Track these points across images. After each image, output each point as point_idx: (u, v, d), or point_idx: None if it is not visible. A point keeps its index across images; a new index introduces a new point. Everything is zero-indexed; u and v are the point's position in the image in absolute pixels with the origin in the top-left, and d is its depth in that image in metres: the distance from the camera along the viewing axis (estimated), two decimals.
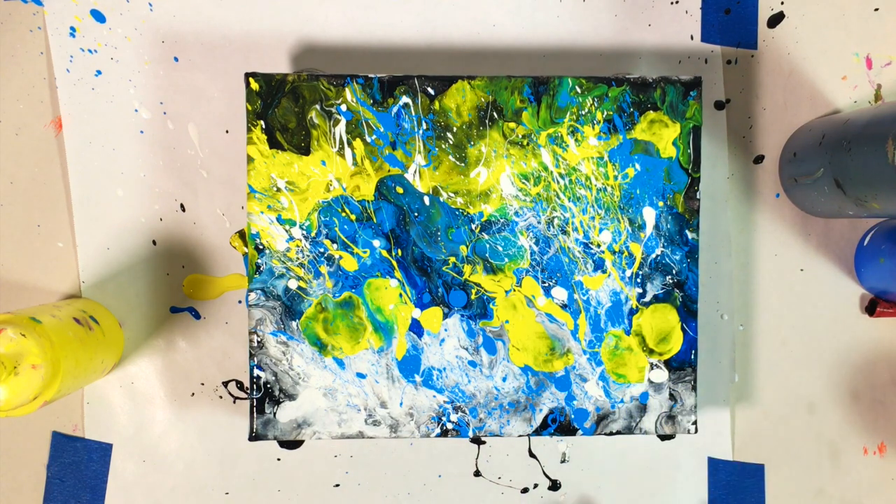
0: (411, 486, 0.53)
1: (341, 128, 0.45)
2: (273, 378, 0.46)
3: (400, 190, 0.46)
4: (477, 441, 0.53)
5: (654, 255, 0.47)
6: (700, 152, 0.46)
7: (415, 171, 0.45)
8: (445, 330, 0.46)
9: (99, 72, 0.50)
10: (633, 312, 0.47)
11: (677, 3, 0.52)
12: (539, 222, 0.46)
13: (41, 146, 0.51)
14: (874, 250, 0.48)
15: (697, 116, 0.46)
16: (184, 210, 0.51)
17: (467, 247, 0.46)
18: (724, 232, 0.53)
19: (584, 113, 0.46)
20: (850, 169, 0.45)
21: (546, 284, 0.46)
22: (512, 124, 0.46)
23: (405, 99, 0.45)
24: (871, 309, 0.54)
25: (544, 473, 0.53)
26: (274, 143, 0.45)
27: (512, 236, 0.46)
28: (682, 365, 0.47)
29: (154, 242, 0.51)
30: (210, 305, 0.52)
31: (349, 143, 0.45)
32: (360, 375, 0.46)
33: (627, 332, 0.47)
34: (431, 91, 0.45)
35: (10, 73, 0.50)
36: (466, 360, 0.46)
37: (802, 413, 0.54)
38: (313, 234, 0.45)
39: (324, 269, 0.46)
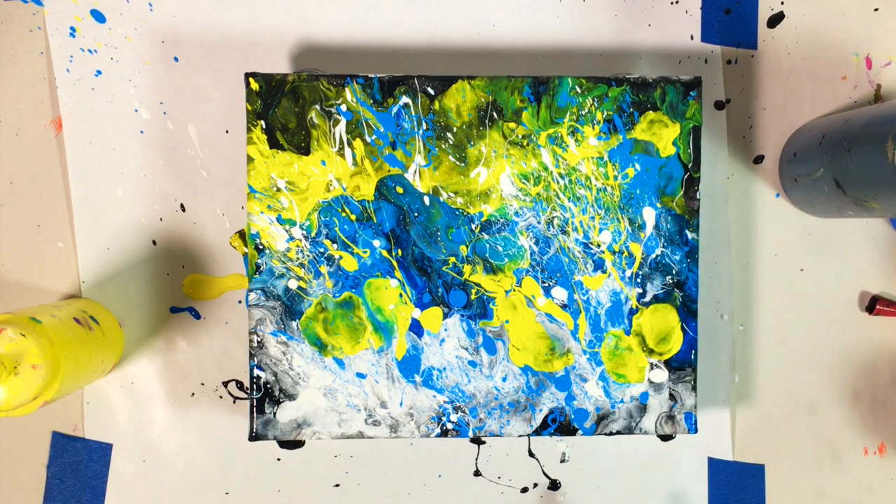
0: (411, 486, 0.53)
1: (341, 128, 0.45)
2: (273, 378, 0.46)
3: (400, 190, 0.46)
4: (477, 441, 0.53)
5: (654, 255, 0.47)
6: (700, 152, 0.46)
7: (415, 171, 0.45)
8: (445, 330, 0.46)
9: (99, 72, 0.50)
10: (633, 312, 0.47)
11: (677, 3, 0.52)
12: (539, 222, 0.46)
13: (41, 146, 0.51)
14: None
15: (697, 116, 0.46)
16: (184, 210, 0.51)
17: (467, 247, 0.46)
18: (724, 232, 0.53)
19: (584, 113, 0.46)
20: (850, 169, 0.45)
21: (546, 284, 0.46)
22: (512, 124, 0.46)
23: (405, 99, 0.45)
24: (870, 307, 0.54)
25: (544, 473, 0.53)
26: (274, 143, 0.45)
27: (512, 236, 0.46)
28: (682, 365, 0.47)
29: (154, 242, 0.51)
30: (210, 305, 0.52)
31: (349, 143, 0.45)
32: (360, 375, 0.46)
33: (627, 332, 0.47)
34: (431, 91, 0.45)
35: (10, 73, 0.50)
36: (466, 360, 0.46)
37: (802, 413, 0.54)
38: (313, 234, 0.45)
39: (324, 269, 0.46)
